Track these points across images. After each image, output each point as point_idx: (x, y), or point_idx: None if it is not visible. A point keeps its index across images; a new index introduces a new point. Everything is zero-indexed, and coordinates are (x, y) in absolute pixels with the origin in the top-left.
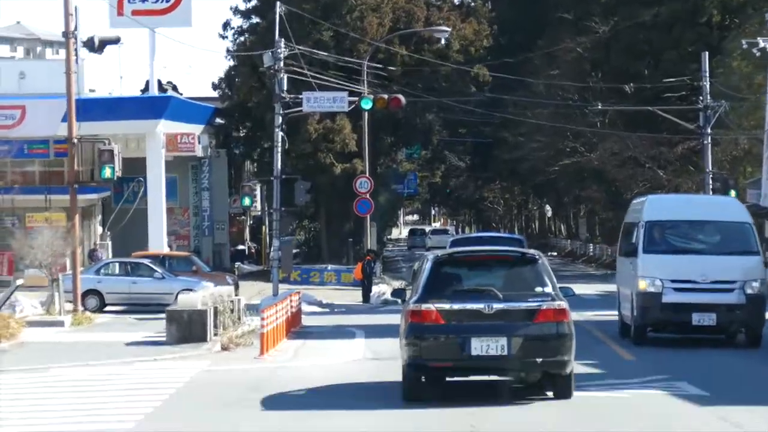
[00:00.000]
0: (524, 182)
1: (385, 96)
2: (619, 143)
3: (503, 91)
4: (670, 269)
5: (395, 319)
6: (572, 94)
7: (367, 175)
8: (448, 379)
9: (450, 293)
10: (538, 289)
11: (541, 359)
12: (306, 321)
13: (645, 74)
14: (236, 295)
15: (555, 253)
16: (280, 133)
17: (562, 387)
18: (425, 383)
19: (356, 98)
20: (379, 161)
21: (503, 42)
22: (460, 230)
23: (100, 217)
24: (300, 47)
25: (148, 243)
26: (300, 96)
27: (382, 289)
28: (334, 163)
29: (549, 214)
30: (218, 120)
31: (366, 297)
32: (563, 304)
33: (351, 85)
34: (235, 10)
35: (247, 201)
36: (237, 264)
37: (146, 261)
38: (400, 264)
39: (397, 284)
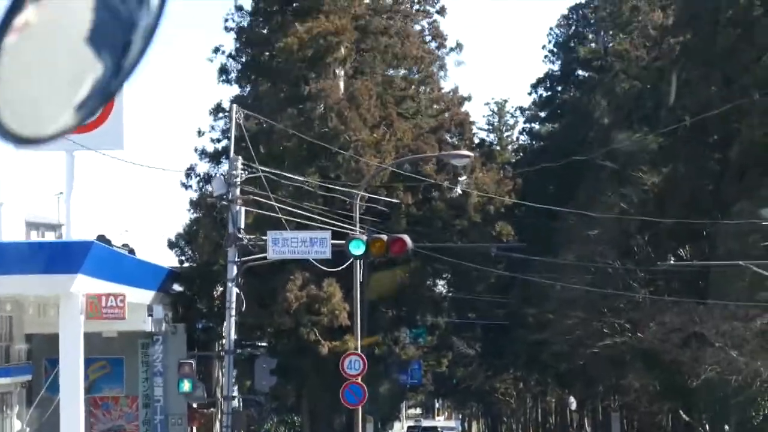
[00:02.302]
0: (544, 370)
1: (384, 237)
2: (681, 317)
3: (528, 261)
4: None
5: None
6: (614, 259)
7: (359, 353)
8: None
9: None
10: None
11: None
12: None
13: (703, 234)
14: None
15: None
16: (235, 290)
17: None
18: None
19: (343, 242)
20: (377, 342)
21: (529, 200)
22: (466, 425)
23: (17, 409)
24: (265, 169)
25: None
26: (264, 237)
27: None
28: (320, 341)
29: (573, 406)
30: (176, 287)
31: None
32: None
33: (339, 226)
34: (202, 153)
35: (186, 385)
36: None
37: None
38: None
39: None
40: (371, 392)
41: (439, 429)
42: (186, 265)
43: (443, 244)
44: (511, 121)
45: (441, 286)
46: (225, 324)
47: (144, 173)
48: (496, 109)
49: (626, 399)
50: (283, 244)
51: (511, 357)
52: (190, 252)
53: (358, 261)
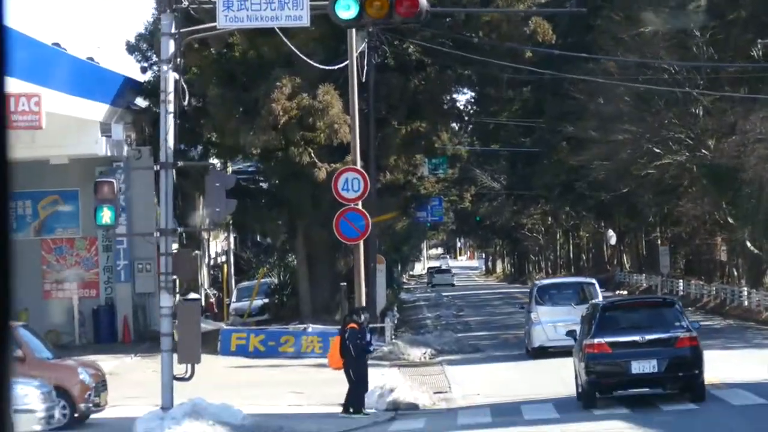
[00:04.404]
0: (580, 201)
1: None
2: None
3: (565, 66)
4: None
5: None
6: (670, 63)
7: (359, 168)
8: (615, 393)
9: (615, 329)
10: (676, 324)
11: (681, 374)
12: None
13: None
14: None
15: (625, 292)
16: (172, 75)
17: (697, 393)
18: (597, 396)
19: (326, 2)
20: (387, 163)
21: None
22: (490, 264)
23: None
24: None
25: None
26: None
27: (390, 380)
28: (315, 163)
29: (612, 241)
30: (140, 102)
31: (355, 401)
32: (694, 333)
33: None
34: None
35: (106, 216)
36: None
37: None
38: (424, 312)
39: (420, 353)
40: (384, 230)
41: (452, 272)
42: (150, 74)
43: (470, 7)
44: None
45: (463, 96)
46: (161, 124)
47: None
48: None
49: (677, 231)
50: (240, 7)
51: (541, 188)
52: (155, 58)
53: (355, 47)
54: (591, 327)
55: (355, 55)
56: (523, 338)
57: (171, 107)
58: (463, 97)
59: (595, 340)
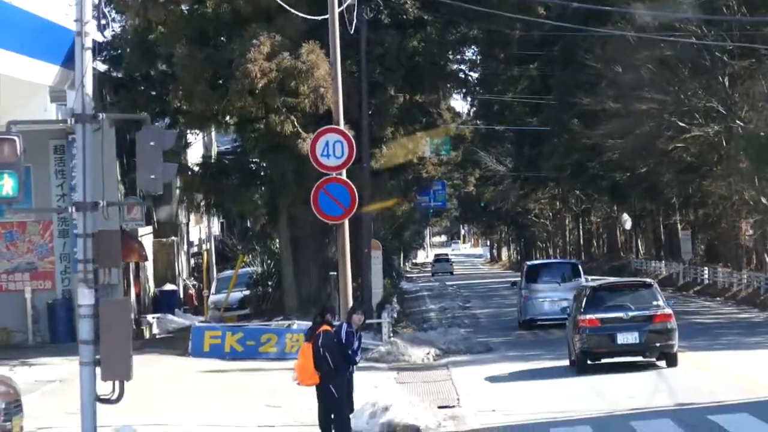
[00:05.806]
0: (592, 183)
1: None
2: None
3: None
4: None
5: None
6: (697, 25)
7: (341, 128)
8: (603, 360)
9: (603, 307)
10: (654, 303)
11: (658, 344)
12: None
13: None
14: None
15: None
16: None
17: (671, 360)
18: (589, 363)
19: None
20: (383, 135)
21: None
22: (494, 252)
23: None
24: None
25: None
26: None
27: (384, 394)
28: (299, 133)
29: (627, 225)
30: (99, 65)
31: (339, 424)
32: (669, 310)
33: None
34: None
35: (7, 185)
36: (155, 317)
37: None
38: (428, 304)
39: (422, 353)
40: (384, 216)
41: (450, 260)
42: (109, 33)
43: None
44: None
45: (468, 66)
46: (75, 65)
47: None
48: None
49: (702, 213)
50: None
51: (549, 170)
52: (114, 14)
53: None
54: (583, 305)
55: None
56: (516, 312)
57: (88, 41)
58: (467, 67)
59: (587, 316)
